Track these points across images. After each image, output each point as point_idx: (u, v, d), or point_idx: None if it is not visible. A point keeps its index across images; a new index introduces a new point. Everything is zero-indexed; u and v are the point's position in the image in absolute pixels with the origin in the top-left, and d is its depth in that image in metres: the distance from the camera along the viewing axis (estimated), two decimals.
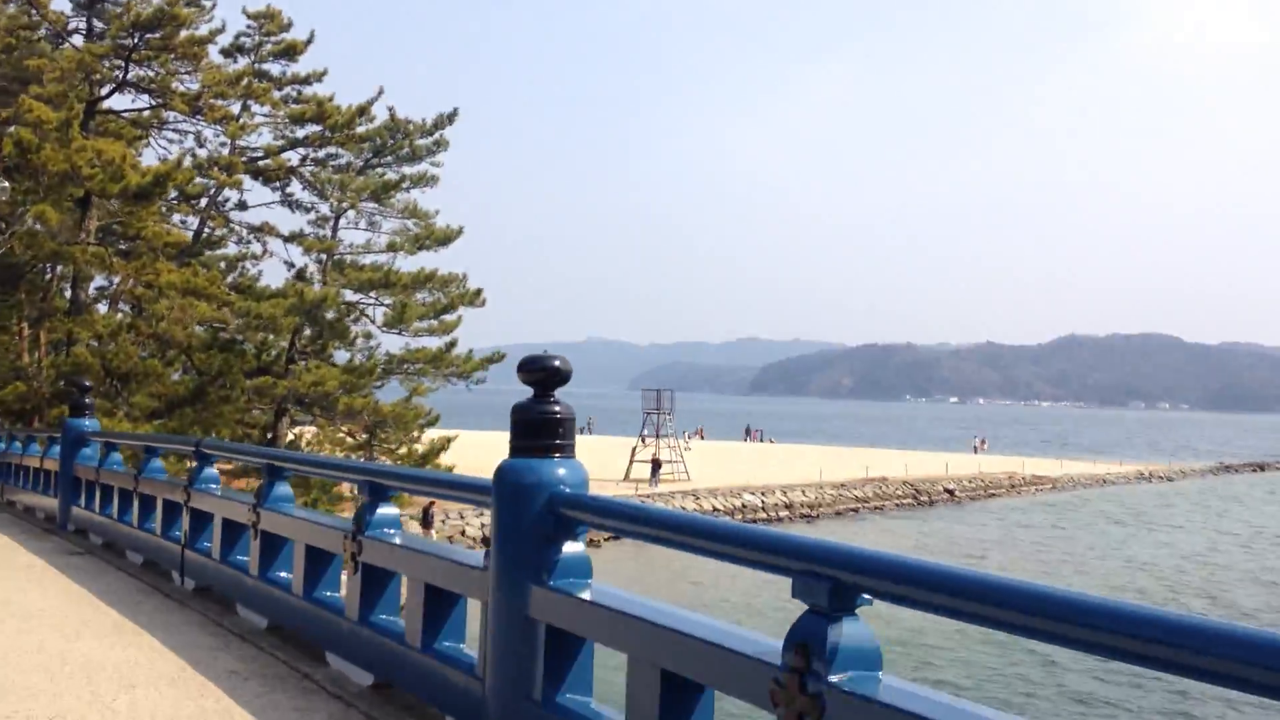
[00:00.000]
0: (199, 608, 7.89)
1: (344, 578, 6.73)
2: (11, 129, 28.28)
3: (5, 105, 28.62)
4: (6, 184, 24.42)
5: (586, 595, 4.29)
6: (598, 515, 4.37)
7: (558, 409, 4.60)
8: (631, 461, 56.28)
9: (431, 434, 36.75)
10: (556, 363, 4.59)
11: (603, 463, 60.59)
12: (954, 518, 55.07)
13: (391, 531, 5.95)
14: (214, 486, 8.49)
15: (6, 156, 27.60)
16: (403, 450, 34.30)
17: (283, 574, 7.23)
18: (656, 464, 54.12)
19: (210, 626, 7.27)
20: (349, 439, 36.43)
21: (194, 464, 8.68)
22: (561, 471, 4.54)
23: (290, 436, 35.03)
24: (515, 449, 4.62)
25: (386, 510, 6.04)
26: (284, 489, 7.35)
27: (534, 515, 4.46)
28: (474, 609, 5.32)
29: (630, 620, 3.92)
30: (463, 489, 5.38)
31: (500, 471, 4.60)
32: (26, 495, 15.30)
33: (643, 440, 59.76)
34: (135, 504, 9.97)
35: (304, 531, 6.67)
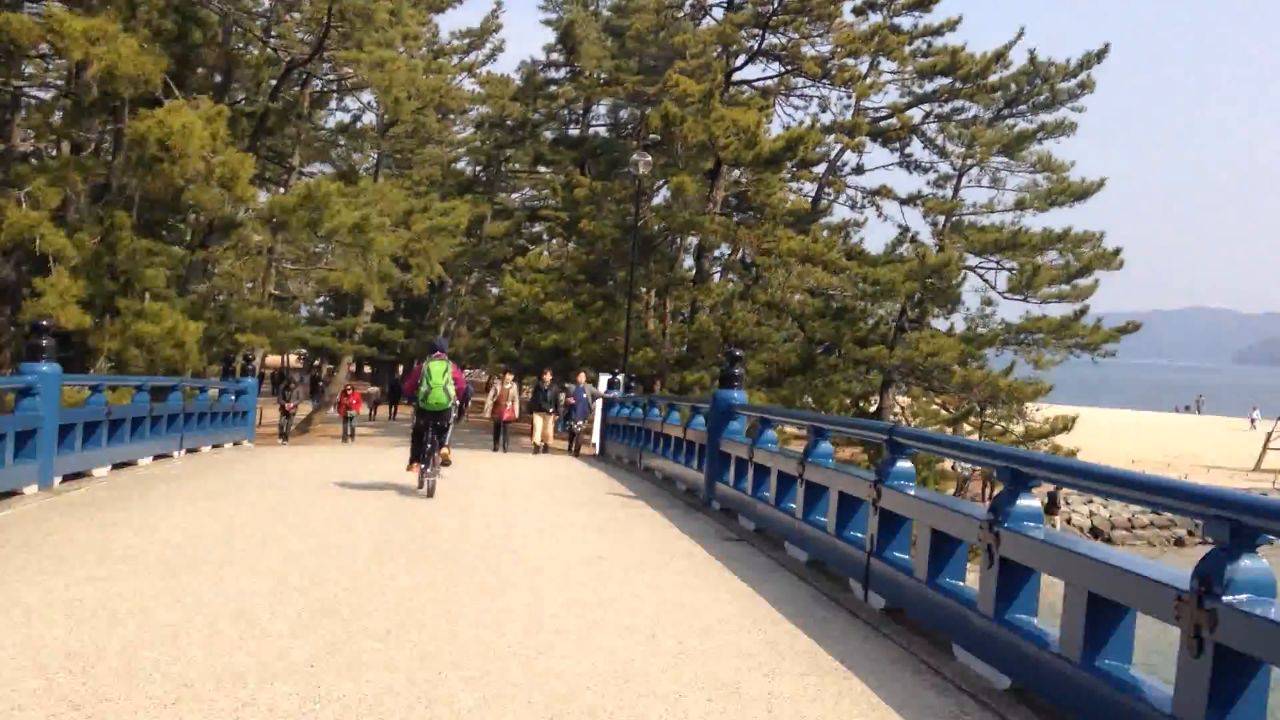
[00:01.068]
0: (900, 639, 6.25)
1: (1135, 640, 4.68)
2: (650, 109, 29.91)
3: (654, 83, 30.53)
4: (649, 158, 25.76)
5: None
6: None
7: None
8: (1265, 448, 48.32)
9: (1041, 411, 33.39)
10: None
11: (1222, 449, 52.56)
12: None
13: (1264, 599, 3.76)
14: (910, 485, 6.82)
15: (653, 131, 29.27)
16: (1018, 428, 31.38)
17: (1023, 616, 5.34)
18: None
19: (928, 675, 5.56)
20: (943, 412, 34.34)
21: (886, 455, 7.04)
22: None
23: (896, 409, 33.73)
24: None
25: (1252, 564, 3.84)
26: (1029, 503, 5.42)
27: None
28: None
29: None
30: None
31: None
32: (665, 463, 15.18)
33: (1251, 423, 56.44)
34: (800, 491, 8.68)
35: (1082, 572, 4.66)
